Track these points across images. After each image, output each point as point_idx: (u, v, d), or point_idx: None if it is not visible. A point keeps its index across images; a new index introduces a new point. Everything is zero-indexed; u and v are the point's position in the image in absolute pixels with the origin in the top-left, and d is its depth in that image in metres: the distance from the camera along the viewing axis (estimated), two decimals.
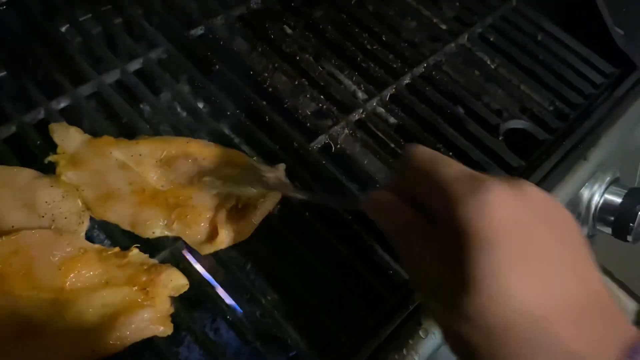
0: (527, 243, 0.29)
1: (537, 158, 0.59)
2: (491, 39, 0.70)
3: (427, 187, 0.34)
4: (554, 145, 0.60)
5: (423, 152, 0.35)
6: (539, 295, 0.29)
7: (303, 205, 0.49)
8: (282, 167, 0.50)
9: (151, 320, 0.41)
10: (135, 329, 0.40)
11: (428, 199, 0.34)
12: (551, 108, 0.66)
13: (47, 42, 0.57)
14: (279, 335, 0.45)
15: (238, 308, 0.47)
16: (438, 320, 0.35)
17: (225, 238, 0.45)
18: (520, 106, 0.65)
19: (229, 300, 0.46)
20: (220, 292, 0.46)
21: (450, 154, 0.57)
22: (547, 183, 0.56)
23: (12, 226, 0.42)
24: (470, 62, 0.68)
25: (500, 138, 0.61)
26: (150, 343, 0.41)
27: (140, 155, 0.45)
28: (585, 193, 0.66)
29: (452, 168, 0.33)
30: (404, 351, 0.43)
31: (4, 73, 0.55)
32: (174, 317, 0.42)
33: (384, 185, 0.45)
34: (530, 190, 0.32)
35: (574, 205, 0.64)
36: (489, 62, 0.69)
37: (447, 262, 0.31)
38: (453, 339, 0.32)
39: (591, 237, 0.69)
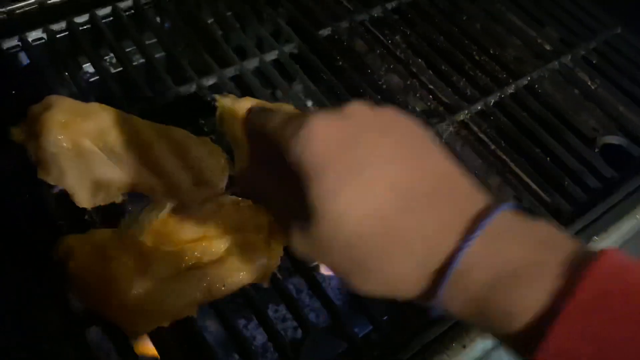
0: (353, 162, 0.30)
1: (631, 171, 0.62)
2: (593, 62, 0.74)
3: (265, 144, 0.34)
4: None
5: (252, 116, 0.37)
6: (373, 204, 0.30)
7: None
8: None
9: (264, 267, 0.48)
10: (249, 269, 0.47)
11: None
12: None
13: (197, 31, 0.66)
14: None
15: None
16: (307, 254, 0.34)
17: None
18: (617, 125, 0.68)
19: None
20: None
21: (548, 159, 0.61)
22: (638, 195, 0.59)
23: (167, 170, 0.51)
24: (571, 80, 0.72)
25: (596, 150, 0.64)
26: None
27: None
28: None
29: (277, 116, 0.34)
30: None
31: (162, 54, 0.65)
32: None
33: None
34: (352, 110, 0.32)
35: None
36: (589, 83, 0.72)
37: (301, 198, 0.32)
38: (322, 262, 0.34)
39: None
